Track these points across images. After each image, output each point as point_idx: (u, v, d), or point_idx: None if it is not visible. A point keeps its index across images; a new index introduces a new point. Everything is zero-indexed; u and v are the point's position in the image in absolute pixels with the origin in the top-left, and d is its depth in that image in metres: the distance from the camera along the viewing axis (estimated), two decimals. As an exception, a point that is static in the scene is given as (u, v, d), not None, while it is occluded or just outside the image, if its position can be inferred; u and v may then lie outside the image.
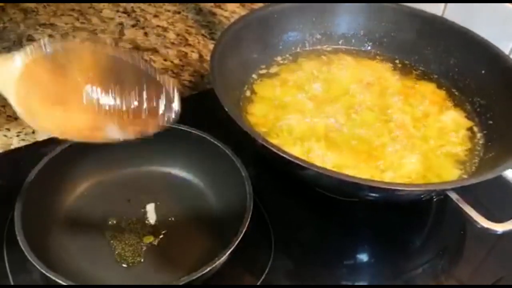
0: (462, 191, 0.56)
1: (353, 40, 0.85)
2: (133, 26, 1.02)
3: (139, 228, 0.62)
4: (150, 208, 0.64)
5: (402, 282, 0.62)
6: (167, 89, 0.55)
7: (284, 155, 0.55)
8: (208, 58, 0.85)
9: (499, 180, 0.58)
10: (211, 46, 0.96)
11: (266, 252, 0.61)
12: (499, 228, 0.55)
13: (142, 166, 0.68)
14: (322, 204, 0.69)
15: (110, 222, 0.62)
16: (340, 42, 0.85)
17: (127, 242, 0.60)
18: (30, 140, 0.74)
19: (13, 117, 0.77)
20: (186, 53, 0.96)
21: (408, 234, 0.68)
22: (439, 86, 0.79)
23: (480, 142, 0.70)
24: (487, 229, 0.54)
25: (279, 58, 0.81)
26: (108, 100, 0.54)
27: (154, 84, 0.55)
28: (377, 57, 0.84)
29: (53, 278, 0.50)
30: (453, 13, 0.83)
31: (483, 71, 0.75)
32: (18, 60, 0.49)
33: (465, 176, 0.65)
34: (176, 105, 0.55)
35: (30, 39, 0.94)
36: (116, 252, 0.59)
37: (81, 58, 0.53)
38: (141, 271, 0.58)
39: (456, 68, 0.79)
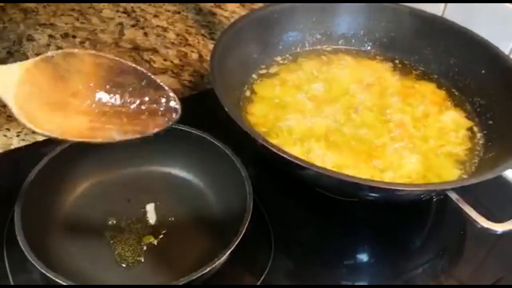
0: (462, 191, 0.56)
1: (353, 40, 0.85)
2: (133, 26, 1.02)
3: (139, 228, 0.62)
4: (150, 208, 0.64)
5: (402, 282, 0.62)
6: (167, 90, 0.55)
7: (284, 155, 0.55)
8: (208, 58, 0.85)
9: (499, 180, 0.58)
10: (211, 46, 0.96)
11: (266, 252, 0.61)
12: (499, 228, 0.55)
13: (142, 166, 0.68)
14: (322, 204, 0.69)
15: (110, 222, 0.62)
16: (340, 42, 0.85)
17: (127, 242, 0.60)
18: (30, 140, 0.74)
19: (13, 117, 0.76)
20: (186, 53, 0.96)
21: (408, 234, 0.68)
22: (439, 86, 0.79)
23: (480, 142, 0.70)
24: (487, 229, 0.54)
25: (279, 58, 0.82)
26: (108, 102, 0.54)
27: (154, 85, 0.55)
28: (377, 57, 0.84)
29: (53, 278, 0.50)
30: (453, 13, 0.83)
31: (483, 71, 0.75)
32: (18, 66, 0.50)
33: (465, 176, 0.65)
34: (177, 106, 0.55)
35: (30, 39, 0.94)
36: (116, 252, 0.59)
37: (81, 63, 0.53)
38: (141, 271, 0.58)
39: (456, 68, 0.79)
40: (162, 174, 0.68)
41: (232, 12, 1.09)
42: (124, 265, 0.58)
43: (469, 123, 0.73)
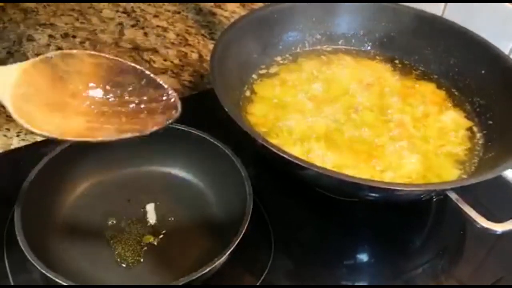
0: (462, 191, 0.56)
1: (353, 40, 0.85)
2: (133, 26, 1.02)
3: (139, 228, 0.62)
4: (150, 208, 0.64)
5: (402, 282, 0.62)
6: (167, 88, 0.55)
7: (284, 155, 0.55)
8: (208, 58, 0.85)
9: (499, 180, 0.58)
10: (211, 46, 0.96)
11: (266, 252, 0.61)
12: (499, 228, 0.55)
13: (142, 166, 0.68)
14: (322, 204, 0.69)
15: (110, 222, 0.62)
16: (340, 42, 0.85)
17: (127, 242, 0.60)
18: (30, 140, 0.74)
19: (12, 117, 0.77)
20: (186, 53, 0.96)
21: (408, 234, 0.68)
22: (439, 86, 0.79)
23: (480, 142, 0.70)
24: (487, 229, 0.54)
25: (279, 58, 0.82)
26: (107, 102, 0.54)
27: (154, 84, 0.55)
28: (377, 57, 0.84)
29: (53, 278, 0.50)
30: (453, 13, 0.83)
31: (483, 71, 0.75)
32: (16, 67, 0.50)
33: (464, 176, 0.65)
34: (177, 104, 0.55)
35: (30, 39, 0.94)
36: (116, 252, 0.59)
37: (80, 63, 0.53)
38: (141, 271, 0.58)
39: (456, 68, 0.79)
40: (162, 174, 0.68)
41: (232, 12, 1.09)
42: (124, 265, 0.58)
43: (468, 123, 0.73)
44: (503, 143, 0.66)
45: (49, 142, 0.60)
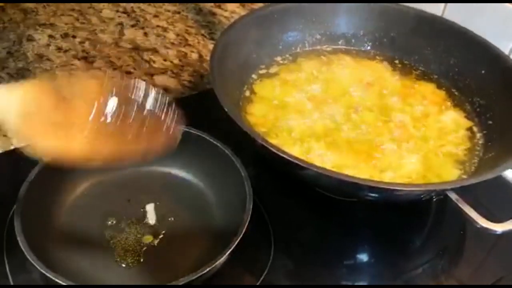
0: (462, 191, 0.56)
1: (353, 40, 0.85)
2: (133, 26, 1.02)
3: (139, 228, 0.62)
4: (150, 208, 0.64)
5: (402, 282, 0.62)
6: (173, 107, 0.54)
7: (284, 155, 0.55)
8: (208, 58, 0.85)
9: (499, 180, 0.58)
10: (211, 46, 0.96)
11: (266, 252, 0.61)
12: (499, 228, 0.55)
13: (142, 166, 0.68)
14: (322, 204, 0.69)
15: (110, 222, 0.62)
16: (340, 42, 0.85)
17: (127, 242, 0.60)
18: (30, 140, 0.74)
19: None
20: (186, 53, 0.96)
21: (408, 234, 0.68)
22: (439, 86, 0.79)
23: (480, 142, 0.70)
24: (487, 229, 0.54)
25: (279, 58, 0.81)
26: (111, 122, 0.53)
27: (159, 103, 0.54)
28: (377, 57, 0.84)
29: (53, 278, 0.50)
30: (453, 13, 0.83)
31: (483, 71, 0.75)
32: (19, 86, 0.50)
33: (464, 176, 0.65)
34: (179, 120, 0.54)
35: (30, 39, 0.94)
36: (116, 252, 0.59)
37: (84, 83, 0.53)
38: (141, 271, 0.58)
39: (456, 68, 0.79)
40: (162, 174, 0.68)
41: (232, 12, 1.09)
42: (124, 265, 0.58)
43: (468, 123, 0.73)
44: (503, 143, 0.66)
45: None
